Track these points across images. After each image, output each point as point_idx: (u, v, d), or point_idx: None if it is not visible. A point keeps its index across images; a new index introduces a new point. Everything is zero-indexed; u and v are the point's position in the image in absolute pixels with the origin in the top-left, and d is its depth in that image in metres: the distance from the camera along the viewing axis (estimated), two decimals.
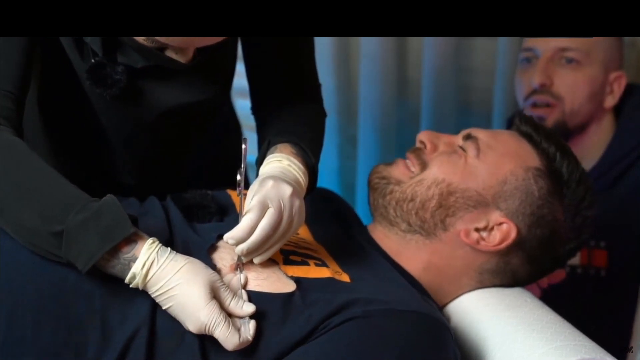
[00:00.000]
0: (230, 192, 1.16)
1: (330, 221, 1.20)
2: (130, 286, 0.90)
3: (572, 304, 1.49)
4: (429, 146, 1.18)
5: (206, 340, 0.91)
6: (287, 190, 0.96)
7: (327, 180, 2.07)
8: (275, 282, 0.98)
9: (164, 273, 0.89)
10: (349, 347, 0.91)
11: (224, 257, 1.00)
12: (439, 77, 2.01)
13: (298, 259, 1.03)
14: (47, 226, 0.89)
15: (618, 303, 1.54)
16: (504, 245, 1.12)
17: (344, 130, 2.10)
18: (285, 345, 0.92)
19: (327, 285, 0.98)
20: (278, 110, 1.17)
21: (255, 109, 1.23)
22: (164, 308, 0.90)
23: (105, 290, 0.92)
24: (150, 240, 0.91)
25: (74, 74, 1.08)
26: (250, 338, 0.89)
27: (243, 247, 0.94)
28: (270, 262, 1.00)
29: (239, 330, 0.89)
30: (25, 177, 0.92)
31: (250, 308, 0.91)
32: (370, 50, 1.98)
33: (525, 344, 1.01)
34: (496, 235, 1.12)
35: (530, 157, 1.15)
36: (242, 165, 0.95)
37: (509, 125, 1.74)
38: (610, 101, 1.59)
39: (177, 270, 0.89)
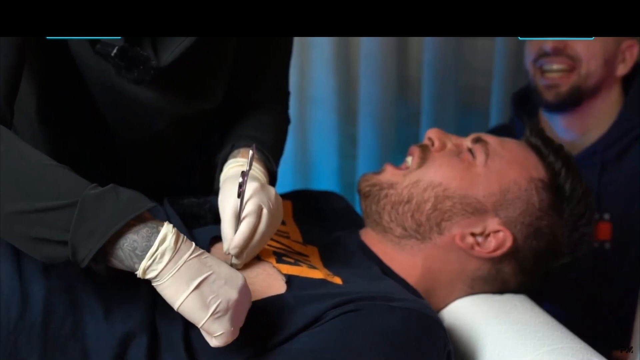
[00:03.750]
0: None
1: (323, 227, 1.21)
2: (158, 250, 0.82)
3: (575, 277, 1.49)
4: (437, 144, 1.17)
5: (191, 344, 0.91)
6: (272, 191, 0.99)
7: (327, 179, 2.08)
8: (266, 280, 0.98)
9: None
10: (338, 337, 0.91)
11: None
12: (439, 77, 2.01)
13: (291, 260, 1.04)
14: (54, 203, 0.81)
15: (622, 276, 1.55)
16: (498, 252, 1.11)
17: (344, 130, 2.10)
18: (279, 344, 0.92)
19: (320, 285, 0.99)
20: (245, 113, 1.19)
21: (221, 109, 1.21)
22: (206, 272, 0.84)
23: (113, 284, 0.92)
24: (169, 224, 0.85)
25: (76, 71, 1.07)
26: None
27: (245, 252, 0.96)
28: (262, 262, 1.01)
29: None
30: (19, 165, 0.85)
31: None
32: (370, 50, 1.98)
33: (514, 350, 1.01)
34: (491, 242, 1.11)
35: (536, 169, 1.15)
36: (248, 169, 0.95)
37: (514, 101, 1.73)
38: (622, 69, 1.60)
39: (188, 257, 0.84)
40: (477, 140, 1.17)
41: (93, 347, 0.90)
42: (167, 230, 0.83)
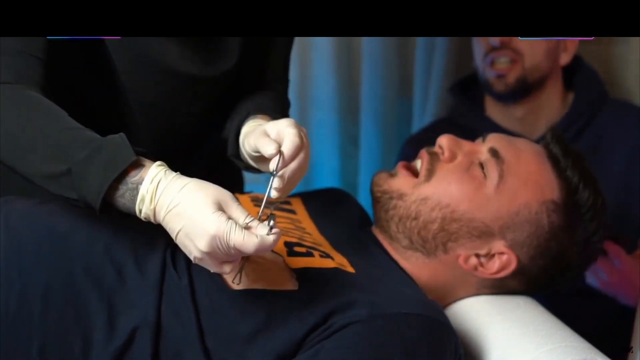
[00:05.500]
0: (238, 196, 1.16)
1: (337, 219, 1.20)
2: (142, 216, 0.86)
3: None
4: (446, 154, 1.13)
5: (205, 335, 0.91)
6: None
7: (328, 179, 2.08)
8: (277, 275, 0.97)
9: (171, 189, 0.85)
10: (354, 351, 0.90)
11: None
12: (440, 77, 2.00)
13: (303, 250, 1.03)
14: (57, 169, 0.87)
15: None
16: (502, 274, 1.10)
17: (345, 130, 2.10)
18: (289, 341, 0.92)
19: (332, 276, 0.98)
20: (249, 94, 1.20)
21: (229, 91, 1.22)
22: (176, 237, 0.84)
23: (114, 277, 0.93)
24: (158, 162, 0.88)
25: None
26: (270, 238, 0.83)
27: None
28: (274, 255, 1.00)
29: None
30: (32, 125, 0.90)
31: (264, 229, 0.84)
32: (372, 49, 1.98)
33: (517, 348, 1.01)
34: (495, 263, 1.10)
35: (550, 187, 1.11)
36: (275, 171, 0.92)
37: (456, 92, 1.76)
38: (564, 58, 1.65)
39: (184, 186, 0.85)
40: (493, 154, 1.12)
41: (95, 338, 0.91)
42: (144, 191, 0.85)
